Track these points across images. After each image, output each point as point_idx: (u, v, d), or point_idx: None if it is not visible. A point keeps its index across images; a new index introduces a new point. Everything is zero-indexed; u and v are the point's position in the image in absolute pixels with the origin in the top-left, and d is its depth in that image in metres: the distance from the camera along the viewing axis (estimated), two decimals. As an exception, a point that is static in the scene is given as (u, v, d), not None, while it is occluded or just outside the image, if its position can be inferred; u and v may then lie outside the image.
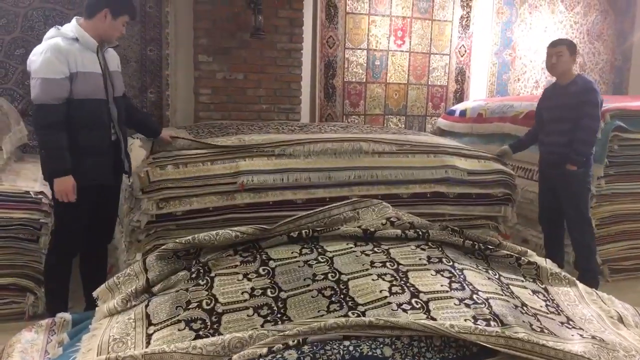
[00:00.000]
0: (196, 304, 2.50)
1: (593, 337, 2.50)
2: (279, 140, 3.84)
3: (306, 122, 5.65)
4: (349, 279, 2.61)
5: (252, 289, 2.59)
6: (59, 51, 3.07)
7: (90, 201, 3.28)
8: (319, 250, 2.88)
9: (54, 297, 3.42)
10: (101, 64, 3.25)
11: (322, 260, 2.78)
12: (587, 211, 4.19)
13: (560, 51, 4.16)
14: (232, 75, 5.36)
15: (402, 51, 6.42)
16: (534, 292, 2.87)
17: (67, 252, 3.39)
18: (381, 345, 2.17)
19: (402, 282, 2.60)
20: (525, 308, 2.61)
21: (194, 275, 2.73)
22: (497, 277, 2.89)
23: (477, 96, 6.75)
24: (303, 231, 3.01)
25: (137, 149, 3.82)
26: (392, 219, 3.19)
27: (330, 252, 2.87)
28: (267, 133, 4.13)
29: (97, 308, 2.84)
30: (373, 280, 2.60)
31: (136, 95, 5.30)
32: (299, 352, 2.11)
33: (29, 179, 3.91)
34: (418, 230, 3.11)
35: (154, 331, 2.41)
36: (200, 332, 2.33)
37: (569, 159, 4.04)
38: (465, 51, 6.73)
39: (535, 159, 4.94)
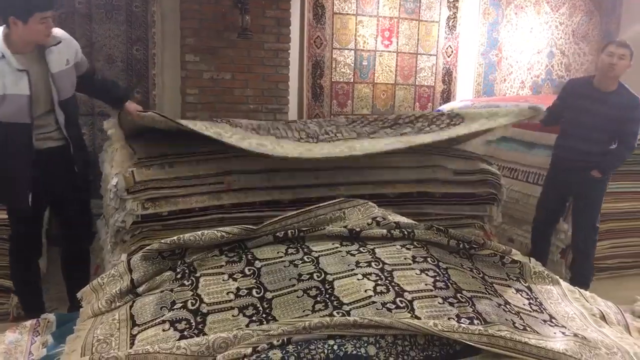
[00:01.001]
0: (181, 304, 2.50)
1: (575, 335, 2.52)
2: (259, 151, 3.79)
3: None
4: (334, 279, 2.62)
5: (238, 289, 2.59)
6: None
7: (25, 213, 3.21)
8: (305, 250, 2.89)
9: (26, 298, 3.42)
10: (30, 80, 3.03)
11: (307, 260, 2.79)
12: (598, 220, 4.16)
13: (624, 54, 3.90)
14: (220, 75, 5.36)
15: (389, 51, 6.45)
16: (518, 290, 2.90)
17: (23, 255, 3.38)
18: (365, 344, 2.18)
19: (387, 281, 2.61)
20: (508, 306, 2.64)
21: (179, 276, 2.73)
22: (481, 276, 2.91)
23: (464, 96, 6.80)
24: (289, 231, 3.02)
25: (119, 151, 3.79)
26: (378, 219, 3.20)
27: (316, 252, 2.87)
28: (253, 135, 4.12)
29: (81, 309, 2.82)
30: (358, 280, 2.61)
31: (122, 95, 5.28)
32: (284, 352, 2.11)
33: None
34: (403, 229, 3.12)
35: (138, 332, 2.41)
36: (185, 333, 2.33)
37: (598, 167, 3.96)
38: (452, 52, 6.77)
39: (521, 158, 5.00)
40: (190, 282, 2.65)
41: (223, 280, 2.66)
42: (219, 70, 5.35)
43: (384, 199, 3.93)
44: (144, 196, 3.40)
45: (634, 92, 4.00)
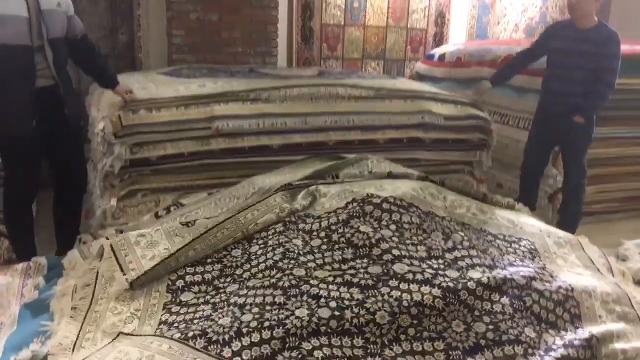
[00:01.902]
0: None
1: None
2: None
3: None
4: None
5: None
6: None
7: (27, 151, 3.18)
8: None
9: (18, 242, 3.42)
10: (29, 5, 3.01)
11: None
12: (585, 160, 4.17)
13: None
14: (206, 16, 5.22)
15: (381, -7, 6.30)
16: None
17: (17, 200, 3.36)
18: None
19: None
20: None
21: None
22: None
23: (457, 40, 6.70)
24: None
25: (105, 94, 3.73)
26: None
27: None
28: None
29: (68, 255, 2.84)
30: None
31: (107, 35, 5.15)
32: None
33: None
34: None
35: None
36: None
37: (579, 111, 3.92)
38: (445, -7, 6.62)
39: (513, 103, 4.96)
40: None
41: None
42: (205, 10, 5.20)
43: (374, 145, 3.94)
44: (131, 140, 3.37)
45: (612, 29, 3.95)
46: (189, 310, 2.34)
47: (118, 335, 2.18)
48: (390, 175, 3.30)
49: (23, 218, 3.42)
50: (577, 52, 3.92)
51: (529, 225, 3.11)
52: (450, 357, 2.20)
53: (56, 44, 3.18)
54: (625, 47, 4.66)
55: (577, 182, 4.17)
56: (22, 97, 3.12)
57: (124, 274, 2.47)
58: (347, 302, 2.28)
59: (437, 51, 6.26)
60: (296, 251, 2.58)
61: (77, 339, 2.20)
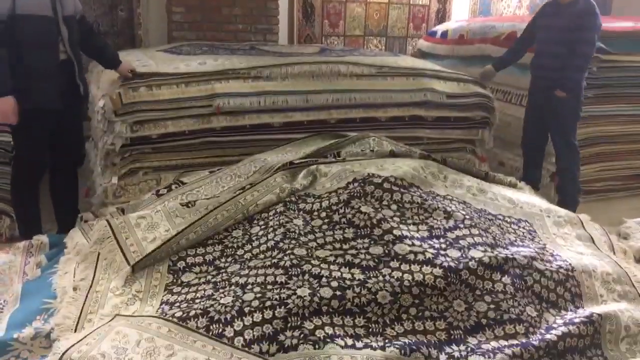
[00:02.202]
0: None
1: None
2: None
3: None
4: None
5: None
6: None
7: (44, 126, 3.18)
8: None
9: (25, 221, 3.42)
10: None
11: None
12: (575, 138, 4.16)
13: None
14: (207, -7, 5.16)
15: (383, -32, 6.21)
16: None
17: (28, 178, 3.35)
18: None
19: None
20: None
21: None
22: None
23: (460, 16, 6.62)
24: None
25: (105, 72, 3.70)
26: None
27: None
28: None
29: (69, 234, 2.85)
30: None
31: (106, 12, 5.09)
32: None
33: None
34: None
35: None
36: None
37: (560, 85, 3.95)
38: (449, -32, 6.53)
39: (515, 81, 4.92)
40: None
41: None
42: (206, -13, 5.15)
43: (376, 123, 3.92)
44: (132, 118, 3.35)
45: (591, 1, 3.95)
46: (190, 290, 2.35)
47: (115, 316, 2.19)
48: (392, 154, 3.29)
49: (31, 196, 3.42)
50: (557, 26, 3.97)
51: (529, 204, 3.11)
52: (452, 337, 2.21)
53: (70, 22, 3.19)
54: (628, 24, 4.62)
55: (569, 160, 4.17)
56: (49, 69, 3.12)
57: (125, 257, 2.48)
58: (348, 282, 2.28)
59: (440, 28, 6.19)
60: (297, 231, 2.58)
61: (78, 319, 2.21)
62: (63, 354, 1.96)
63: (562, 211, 3.18)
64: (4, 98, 2.97)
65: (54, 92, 3.15)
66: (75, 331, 2.16)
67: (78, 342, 2.02)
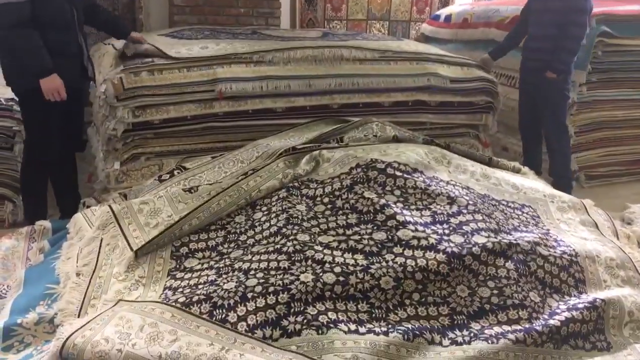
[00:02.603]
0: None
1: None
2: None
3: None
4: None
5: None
6: None
7: (60, 106, 3.19)
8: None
9: (33, 207, 3.43)
10: None
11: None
12: (565, 119, 4.18)
13: None
14: (208, -24, 5.11)
15: (386, -49, 6.15)
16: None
17: (43, 162, 3.35)
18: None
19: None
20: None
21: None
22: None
23: (464, 0, 6.55)
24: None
25: (106, 57, 3.68)
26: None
27: None
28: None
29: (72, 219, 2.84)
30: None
31: (107, -4, 5.05)
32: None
33: (-2, 87, 3.78)
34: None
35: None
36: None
37: (550, 67, 3.96)
38: (453, -49, 6.45)
39: (518, 65, 4.89)
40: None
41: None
42: (207, -30, 5.10)
43: (379, 108, 3.89)
44: (133, 103, 3.34)
45: None
46: (193, 276, 2.35)
47: (118, 301, 2.19)
48: (395, 139, 3.27)
49: (41, 182, 3.43)
50: (547, 9, 3.98)
51: (533, 190, 3.09)
52: (455, 322, 2.21)
53: (76, 4, 3.21)
54: (633, 8, 4.57)
55: (560, 141, 4.17)
56: (72, 48, 3.16)
57: (128, 242, 2.47)
58: (351, 268, 2.28)
59: (444, 12, 6.14)
60: (300, 217, 2.57)
61: (82, 305, 2.21)
62: (67, 339, 1.96)
63: (566, 196, 3.16)
64: (50, 77, 3.03)
65: (77, 71, 3.20)
66: (78, 316, 2.16)
67: (82, 327, 2.02)
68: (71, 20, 3.15)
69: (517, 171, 3.32)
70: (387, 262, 2.33)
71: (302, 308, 2.12)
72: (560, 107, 4.12)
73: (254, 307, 2.10)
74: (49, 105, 3.10)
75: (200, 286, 2.25)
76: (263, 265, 2.30)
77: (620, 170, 4.84)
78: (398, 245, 2.41)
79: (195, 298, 2.15)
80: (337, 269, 2.27)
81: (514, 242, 2.50)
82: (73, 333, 1.99)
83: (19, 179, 3.52)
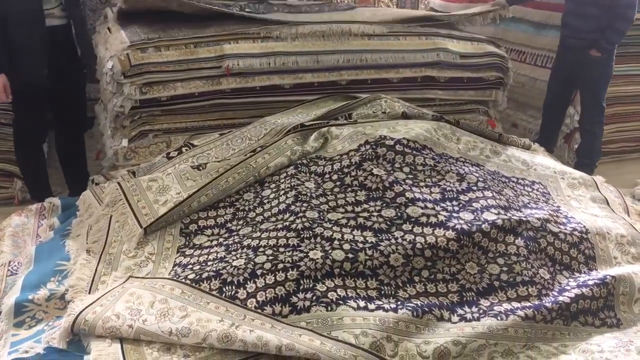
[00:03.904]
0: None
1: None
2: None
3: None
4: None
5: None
6: None
7: (38, 97, 3.21)
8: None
9: (33, 183, 3.47)
10: None
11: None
12: (603, 100, 4.11)
13: None
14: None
15: None
16: None
17: (28, 142, 3.39)
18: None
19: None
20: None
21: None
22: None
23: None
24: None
25: (113, 34, 3.65)
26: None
27: None
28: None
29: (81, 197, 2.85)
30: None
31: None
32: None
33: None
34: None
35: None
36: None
37: (596, 46, 3.88)
38: None
39: (530, 40, 4.83)
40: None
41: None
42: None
43: (387, 84, 3.85)
44: (141, 80, 3.32)
45: None
46: (202, 253, 2.35)
47: (128, 278, 2.20)
48: (404, 116, 3.25)
49: (35, 158, 3.45)
50: None
51: (543, 166, 3.07)
52: (464, 299, 2.21)
53: None
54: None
55: (595, 122, 4.11)
56: (32, 43, 3.11)
57: (137, 219, 2.48)
58: (360, 245, 2.28)
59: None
60: (309, 194, 2.56)
61: (92, 281, 2.23)
62: (78, 315, 1.98)
63: (577, 173, 3.14)
64: None
65: (40, 67, 3.16)
66: (89, 293, 2.18)
67: (92, 303, 2.04)
68: (38, 14, 3.11)
69: (527, 148, 3.29)
70: (396, 239, 2.32)
71: (311, 285, 2.12)
72: (601, 87, 4.05)
73: (263, 284, 2.11)
74: (26, 95, 3.11)
75: (209, 263, 2.26)
76: (272, 242, 2.30)
77: (631, 147, 4.81)
78: (407, 223, 2.40)
79: (205, 275, 2.15)
80: (346, 246, 2.27)
81: (524, 219, 2.48)
82: (84, 309, 2.01)
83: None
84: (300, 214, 2.42)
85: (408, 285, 2.22)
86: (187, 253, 2.37)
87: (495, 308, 2.18)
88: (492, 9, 4.22)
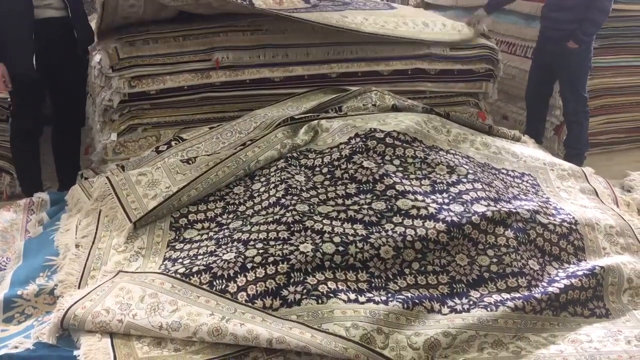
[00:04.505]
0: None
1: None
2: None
3: None
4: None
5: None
6: None
7: (32, 90, 3.19)
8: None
9: (26, 178, 3.45)
10: None
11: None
12: (584, 90, 4.13)
13: None
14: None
15: None
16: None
17: (25, 136, 3.37)
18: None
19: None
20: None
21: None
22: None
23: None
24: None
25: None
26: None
27: None
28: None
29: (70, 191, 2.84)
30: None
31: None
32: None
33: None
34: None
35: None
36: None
37: (573, 37, 3.89)
38: None
39: (520, 32, 4.83)
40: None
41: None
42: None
43: (378, 76, 3.84)
44: (129, 74, 3.30)
45: None
46: (192, 247, 2.35)
47: (118, 273, 2.20)
48: (394, 108, 3.24)
49: (30, 151, 3.45)
50: None
51: (533, 158, 3.08)
52: (454, 290, 2.22)
53: None
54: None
55: (579, 113, 4.13)
56: (21, 34, 3.08)
57: (127, 214, 2.47)
58: (351, 238, 2.28)
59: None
60: (299, 187, 2.56)
61: (82, 276, 2.22)
62: (67, 310, 1.98)
63: (566, 164, 3.16)
64: None
65: (28, 59, 3.13)
66: (78, 288, 2.17)
67: (82, 298, 2.04)
68: (27, 5, 3.07)
69: (517, 139, 3.30)
70: (386, 231, 2.32)
71: (301, 278, 2.12)
72: (579, 78, 4.06)
73: (253, 278, 2.11)
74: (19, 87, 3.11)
75: (199, 257, 2.26)
76: (262, 235, 2.30)
77: (620, 138, 4.82)
78: (397, 215, 2.41)
79: (195, 269, 2.15)
80: (337, 239, 2.27)
81: (514, 210, 2.49)
82: (74, 304, 2.00)
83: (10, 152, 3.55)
84: (291, 207, 2.42)
85: (398, 278, 2.23)
86: (177, 247, 2.37)
87: (485, 299, 2.19)
88: (475, 29, 4.19)
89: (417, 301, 2.12)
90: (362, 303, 2.09)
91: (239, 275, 2.11)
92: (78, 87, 3.53)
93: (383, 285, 2.19)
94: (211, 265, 2.15)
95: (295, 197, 2.49)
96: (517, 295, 2.21)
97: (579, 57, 3.94)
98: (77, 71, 3.46)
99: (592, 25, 3.86)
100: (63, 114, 3.54)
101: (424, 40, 3.88)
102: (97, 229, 2.45)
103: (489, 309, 2.13)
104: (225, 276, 2.11)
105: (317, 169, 2.72)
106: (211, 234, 2.43)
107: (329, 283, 2.13)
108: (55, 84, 3.38)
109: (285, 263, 2.15)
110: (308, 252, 2.19)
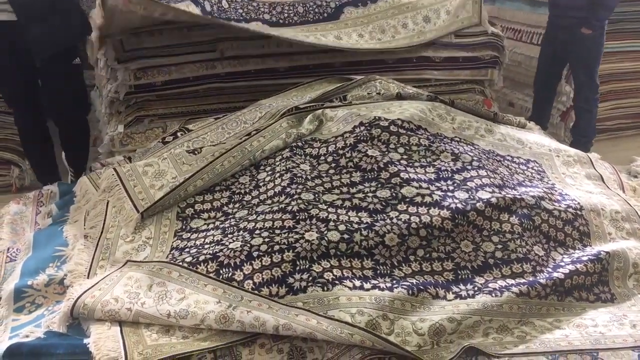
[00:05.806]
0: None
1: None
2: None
3: None
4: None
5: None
6: None
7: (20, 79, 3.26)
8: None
9: (38, 166, 3.48)
10: None
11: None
12: (597, 76, 4.12)
13: None
14: None
15: None
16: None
17: (26, 127, 3.41)
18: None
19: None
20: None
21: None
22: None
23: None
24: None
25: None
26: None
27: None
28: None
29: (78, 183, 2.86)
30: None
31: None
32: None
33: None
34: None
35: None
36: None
37: (585, 23, 3.87)
38: None
39: (526, 18, 4.81)
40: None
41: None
42: None
43: (382, 65, 3.84)
44: (135, 65, 3.32)
45: None
46: (199, 236, 2.37)
47: (126, 262, 2.22)
48: (398, 97, 3.24)
49: (38, 143, 3.47)
50: None
51: (538, 144, 3.08)
52: (459, 277, 2.23)
53: None
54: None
55: (588, 98, 4.11)
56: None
57: (134, 204, 2.49)
58: (356, 226, 2.29)
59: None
60: (304, 176, 2.58)
61: (90, 266, 2.25)
62: (77, 299, 2.01)
63: (572, 150, 3.15)
64: None
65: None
66: (87, 277, 2.20)
67: (91, 287, 2.07)
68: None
69: (522, 126, 3.29)
70: (391, 219, 2.34)
71: (307, 266, 2.14)
72: (593, 64, 4.05)
73: (259, 266, 2.13)
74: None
75: (206, 246, 2.28)
76: (268, 224, 2.32)
77: (627, 123, 4.81)
78: (402, 203, 2.42)
79: (202, 257, 2.17)
80: (342, 227, 2.28)
81: (519, 197, 2.50)
82: (83, 293, 2.03)
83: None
84: (296, 196, 2.44)
85: (403, 265, 2.24)
86: (184, 237, 2.39)
87: (490, 285, 2.20)
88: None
89: (422, 287, 2.13)
90: (368, 290, 2.10)
91: (245, 264, 2.14)
92: (75, 80, 3.55)
93: (388, 272, 2.20)
94: (218, 254, 2.17)
95: (301, 186, 2.50)
96: (522, 280, 2.22)
97: (592, 43, 3.93)
98: (66, 63, 3.49)
99: (605, 10, 3.85)
100: (63, 109, 3.56)
101: (424, 41, 3.87)
102: (105, 220, 2.48)
103: (493, 295, 2.14)
104: (232, 265, 2.13)
105: (322, 157, 2.74)
106: (217, 223, 2.45)
107: (334, 270, 2.15)
108: (48, 77, 3.42)
109: (291, 251, 2.17)
110: (313, 240, 2.21)
